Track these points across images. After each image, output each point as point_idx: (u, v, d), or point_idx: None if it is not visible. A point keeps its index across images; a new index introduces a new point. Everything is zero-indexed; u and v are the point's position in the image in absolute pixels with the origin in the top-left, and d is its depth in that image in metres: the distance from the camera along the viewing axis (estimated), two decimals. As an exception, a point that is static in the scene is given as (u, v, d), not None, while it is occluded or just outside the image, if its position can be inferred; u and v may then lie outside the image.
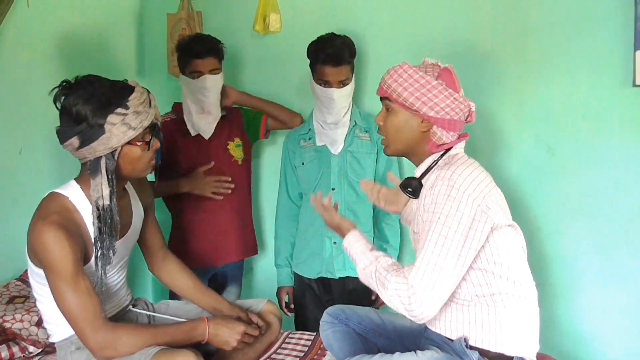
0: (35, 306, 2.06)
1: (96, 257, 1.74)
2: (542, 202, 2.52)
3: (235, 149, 2.72)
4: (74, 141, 1.65)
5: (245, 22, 2.91)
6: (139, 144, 1.72)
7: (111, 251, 1.75)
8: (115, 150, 1.68)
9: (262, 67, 3.00)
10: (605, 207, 2.42)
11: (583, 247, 2.47)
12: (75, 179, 1.78)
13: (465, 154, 1.79)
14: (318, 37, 2.48)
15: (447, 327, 1.73)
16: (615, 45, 2.33)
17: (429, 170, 1.76)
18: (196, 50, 2.53)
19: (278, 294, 2.74)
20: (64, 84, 1.68)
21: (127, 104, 1.65)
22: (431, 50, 2.59)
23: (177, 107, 2.72)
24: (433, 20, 2.63)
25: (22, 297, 2.18)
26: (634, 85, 2.28)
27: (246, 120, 2.79)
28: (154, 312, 2.08)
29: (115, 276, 1.92)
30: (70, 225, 1.66)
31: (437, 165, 1.75)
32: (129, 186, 1.95)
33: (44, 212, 1.67)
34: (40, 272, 1.70)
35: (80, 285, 1.64)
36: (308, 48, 2.48)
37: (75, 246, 1.64)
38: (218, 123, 2.66)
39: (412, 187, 1.78)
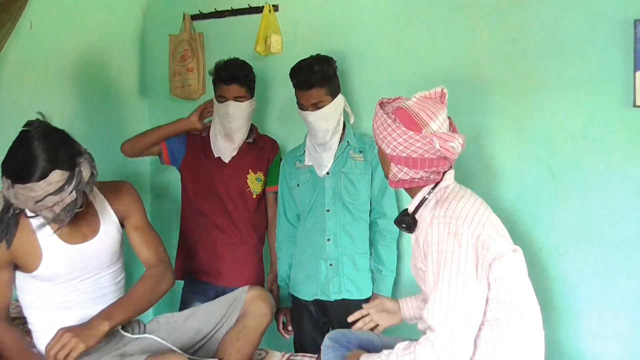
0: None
1: None
2: (543, 224, 2.50)
3: (254, 181, 2.73)
4: None
5: (246, 43, 2.93)
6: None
7: None
8: None
9: (263, 88, 3.01)
10: (605, 230, 2.40)
11: (584, 270, 2.45)
12: None
13: (457, 183, 1.81)
14: (298, 61, 2.49)
15: None
16: (615, 66, 2.33)
17: (421, 205, 1.80)
18: (222, 76, 2.57)
19: (276, 315, 2.72)
20: (31, 122, 1.74)
21: (17, 184, 1.68)
22: (430, 74, 2.61)
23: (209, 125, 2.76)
24: (432, 45, 2.63)
25: (21, 319, 2.16)
26: (634, 106, 2.28)
27: (274, 164, 2.79)
28: (144, 332, 2.09)
29: (87, 285, 1.94)
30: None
31: (429, 200, 1.79)
32: (97, 194, 2.00)
33: None
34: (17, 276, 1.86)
35: None
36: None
37: None
38: (245, 149, 2.71)
39: (406, 223, 1.84)
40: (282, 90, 2.93)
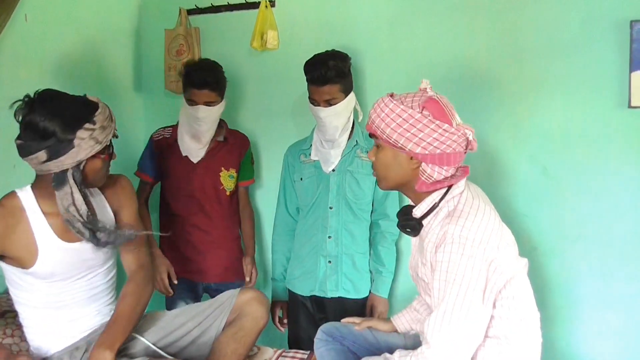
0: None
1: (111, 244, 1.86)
2: (538, 223, 2.51)
3: (227, 178, 2.72)
4: (41, 155, 1.71)
5: (242, 39, 2.92)
6: (102, 156, 1.82)
7: (109, 236, 1.84)
8: (82, 162, 1.76)
9: (258, 84, 3.01)
10: (600, 230, 2.42)
11: (579, 269, 2.46)
12: (31, 185, 1.86)
13: (468, 187, 1.72)
14: (313, 55, 2.46)
15: None
16: (611, 66, 2.34)
17: (430, 212, 1.69)
18: (193, 80, 2.52)
19: (272, 308, 2.72)
20: (26, 99, 1.72)
21: (95, 119, 1.74)
22: (428, 72, 2.60)
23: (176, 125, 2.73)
24: (431, 42, 2.63)
25: (13, 312, 2.15)
26: (630, 106, 2.29)
27: (246, 159, 2.79)
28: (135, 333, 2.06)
29: (81, 285, 1.93)
30: (7, 218, 1.78)
31: (440, 208, 1.68)
32: (94, 189, 1.99)
33: None
34: (10, 271, 1.83)
35: None
36: (303, 67, 2.47)
37: None
38: (215, 147, 2.68)
39: (411, 227, 1.74)
40: (278, 87, 2.93)
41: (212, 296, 2.71)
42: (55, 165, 1.72)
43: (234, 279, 2.77)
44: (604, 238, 2.41)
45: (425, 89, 1.67)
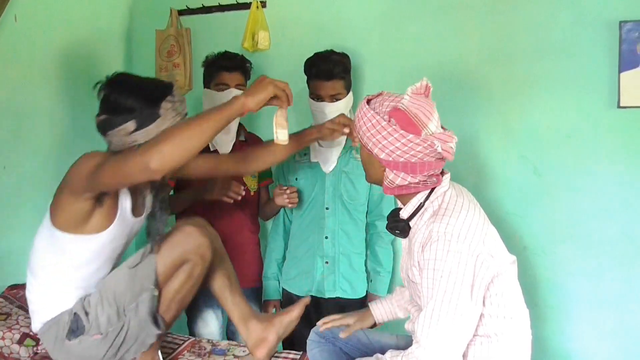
0: (17, 324, 2.05)
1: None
2: (528, 223, 2.53)
3: (250, 178, 2.70)
4: (130, 125, 1.79)
5: (233, 39, 2.92)
6: None
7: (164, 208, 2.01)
8: None
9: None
10: (591, 229, 2.43)
11: (569, 269, 2.48)
12: None
13: (452, 184, 1.73)
14: (314, 53, 2.47)
15: None
16: (600, 67, 2.36)
17: (417, 212, 1.71)
18: (224, 64, 2.54)
19: (264, 307, 2.71)
20: (108, 79, 1.89)
21: (174, 92, 1.84)
22: (418, 73, 2.58)
23: None
24: (421, 43, 2.64)
25: (3, 315, 2.15)
26: (619, 106, 2.31)
27: None
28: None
29: (107, 269, 1.95)
30: None
31: (425, 208, 1.69)
32: None
33: None
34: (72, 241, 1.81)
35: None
36: (304, 64, 2.47)
37: None
38: (238, 147, 2.65)
39: (400, 229, 1.75)
40: (269, 87, 2.92)
41: None
42: (142, 136, 1.78)
43: (252, 285, 2.72)
44: (595, 237, 2.42)
45: (406, 93, 1.66)
